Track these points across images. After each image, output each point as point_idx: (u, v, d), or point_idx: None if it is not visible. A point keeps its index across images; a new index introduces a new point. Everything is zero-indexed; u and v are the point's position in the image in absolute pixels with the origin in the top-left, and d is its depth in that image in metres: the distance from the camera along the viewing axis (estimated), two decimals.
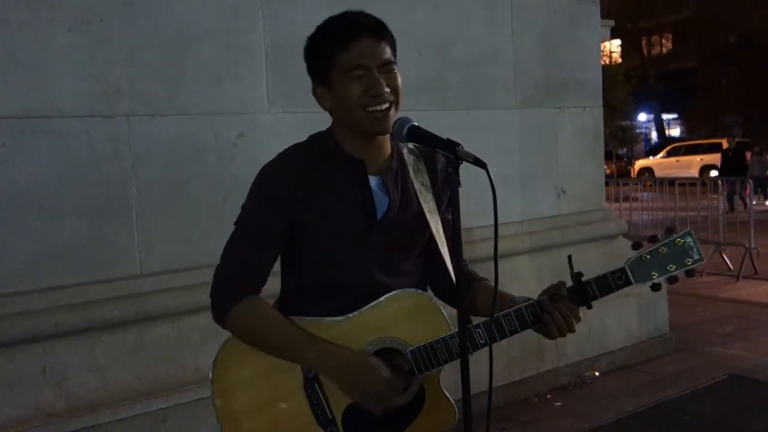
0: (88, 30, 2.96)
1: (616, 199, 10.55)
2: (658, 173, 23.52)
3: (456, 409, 1.65)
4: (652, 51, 38.31)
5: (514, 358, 4.18)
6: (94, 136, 2.99)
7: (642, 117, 36.41)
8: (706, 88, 30.68)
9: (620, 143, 31.28)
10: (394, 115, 1.59)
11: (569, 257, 1.59)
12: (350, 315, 1.60)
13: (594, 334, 4.61)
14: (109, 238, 3.03)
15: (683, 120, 35.73)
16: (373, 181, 1.65)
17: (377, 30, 1.58)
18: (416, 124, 1.56)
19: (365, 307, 1.60)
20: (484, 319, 1.59)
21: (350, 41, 1.55)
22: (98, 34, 2.98)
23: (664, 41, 38.25)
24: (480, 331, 1.58)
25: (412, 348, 1.59)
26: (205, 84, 3.25)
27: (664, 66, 35.25)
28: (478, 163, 1.45)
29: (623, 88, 28.49)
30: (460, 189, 1.47)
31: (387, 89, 1.57)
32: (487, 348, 1.59)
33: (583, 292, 1.58)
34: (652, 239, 1.60)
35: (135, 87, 3.07)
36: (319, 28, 1.61)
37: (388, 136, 1.66)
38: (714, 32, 30.66)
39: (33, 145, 2.86)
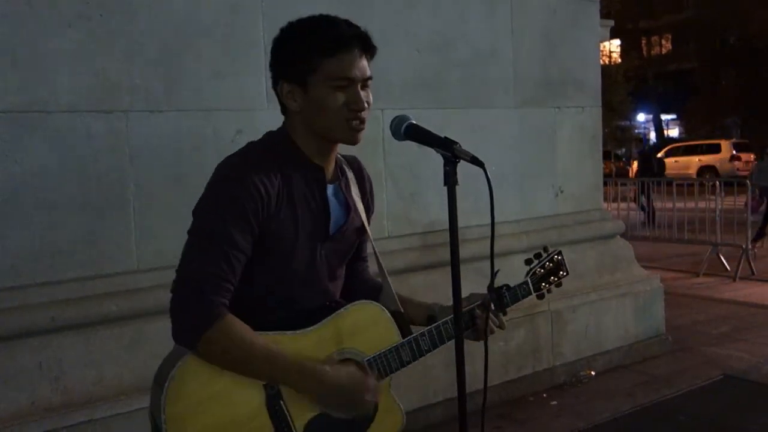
0: (87, 25, 2.95)
1: (614, 200, 10.57)
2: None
3: (404, 413, 1.72)
4: (652, 51, 38.33)
5: (510, 357, 4.19)
6: (93, 131, 2.99)
7: (641, 117, 36.46)
8: (705, 89, 30.72)
9: (619, 143, 31.30)
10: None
11: (497, 271, 1.76)
12: (309, 329, 1.60)
13: (590, 334, 4.62)
14: (107, 234, 3.03)
15: (682, 120, 35.77)
16: (329, 188, 1.67)
17: (365, 43, 1.58)
18: (414, 122, 1.57)
19: (323, 321, 1.62)
20: (431, 326, 1.72)
21: (339, 51, 1.53)
22: (97, 30, 2.98)
23: (663, 42, 38.27)
24: (425, 338, 1.70)
25: (368, 358, 1.63)
26: (204, 80, 3.25)
27: (664, 66, 35.26)
28: (476, 161, 1.46)
29: (622, 89, 28.55)
30: (457, 187, 1.48)
31: (366, 105, 1.58)
32: (482, 346, 1.61)
33: (501, 301, 1.84)
34: (537, 256, 1.95)
35: (134, 82, 3.07)
36: (303, 27, 1.58)
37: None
38: (713, 33, 30.69)
39: (31, 140, 2.86)
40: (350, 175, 1.75)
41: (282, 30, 1.61)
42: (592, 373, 4.56)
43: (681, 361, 4.81)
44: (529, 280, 1.91)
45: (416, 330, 1.73)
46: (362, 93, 1.57)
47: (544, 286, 1.94)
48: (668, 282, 6.00)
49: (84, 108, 2.96)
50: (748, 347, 5.06)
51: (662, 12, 34.34)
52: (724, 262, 8.03)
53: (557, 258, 1.96)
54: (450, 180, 1.47)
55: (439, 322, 1.72)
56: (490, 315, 1.78)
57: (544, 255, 1.95)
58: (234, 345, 1.48)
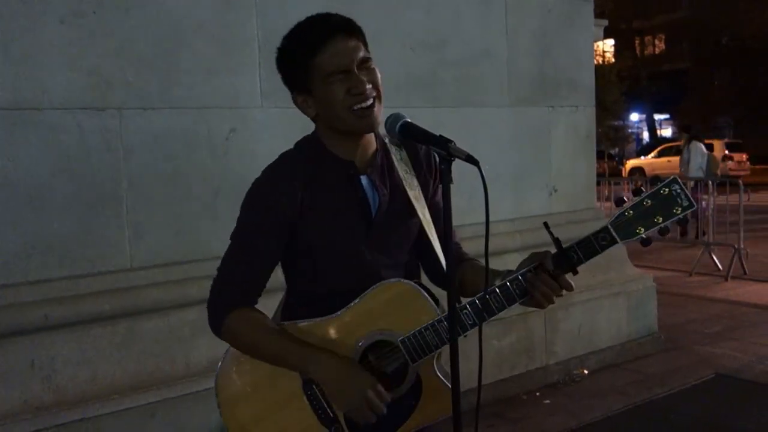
0: (80, 22, 2.94)
1: (607, 199, 10.58)
2: (649, 173, 23.64)
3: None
4: (645, 51, 38.48)
5: (504, 356, 4.19)
6: (86, 128, 2.98)
7: (634, 117, 36.60)
8: (698, 89, 30.82)
9: (612, 143, 31.41)
10: (379, 112, 1.59)
11: (545, 224, 1.58)
12: (338, 313, 1.61)
13: (583, 333, 4.64)
14: (100, 231, 3.02)
15: (675, 120, 35.90)
16: (364, 180, 1.66)
17: (347, 27, 1.56)
18: (409, 120, 1.56)
19: (352, 303, 1.61)
20: (470, 299, 1.61)
21: (324, 43, 1.53)
22: (91, 26, 2.97)
23: (657, 42, 38.41)
24: (467, 311, 1.58)
25: (402, 337, 1.60)
26: (197, 78, 3.24)
27: (657, 66, 35.40)
28: (470, 160, 1.45)
29: (616, 88, 28.66)
30: (452, 186, 1.47)
31: (369, 86, 1.55)
32: (476, 345, 1.59)
33: (567, 258, 1.54)
34: (636, 192, 1.52)
35: (127, 80, 3.06)
36: (288, 38, 1.60)
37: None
38: (707, 34, 30.79)
39: (24, 137, 2.84)
40: (401, 154, 1.71)
41: (278, 48, 1.63)
42: (585, 371, 4.57)
43: (673, 360, 4.83)
44: (610, 226, 1.51)
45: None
46: (364, 74, 1.55)
47: (639, 230, 1.49)
48: (661, 281, 6.01)
49: (77, 105, 2.95)
50: (741, 346, 5.09)
51: (656, 12, 34.46)
52: (717, 261, 8.07)
53: (666, 190, 1.49)
54: (445, 178, 1.46)
55: (484, 292, 1.53)
56: (545, 278, 1.53)
57: (644, 192, 1.51)
58: (244, 332, 1.62)
